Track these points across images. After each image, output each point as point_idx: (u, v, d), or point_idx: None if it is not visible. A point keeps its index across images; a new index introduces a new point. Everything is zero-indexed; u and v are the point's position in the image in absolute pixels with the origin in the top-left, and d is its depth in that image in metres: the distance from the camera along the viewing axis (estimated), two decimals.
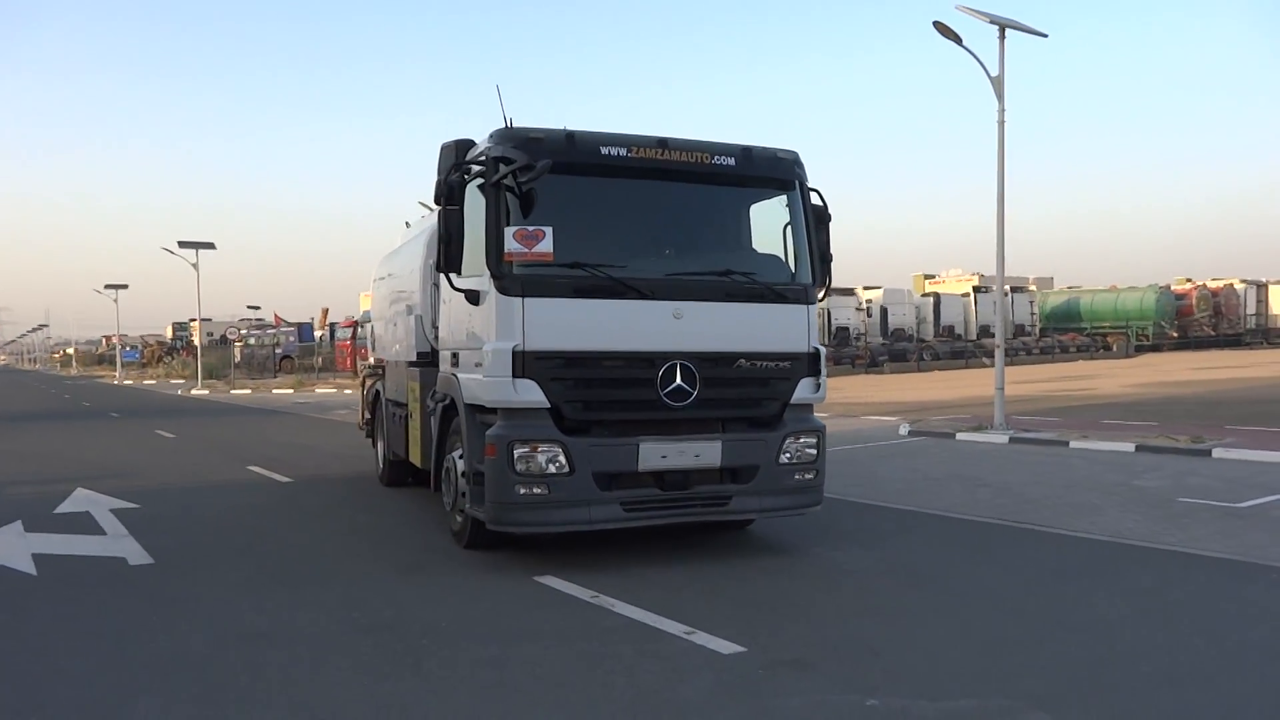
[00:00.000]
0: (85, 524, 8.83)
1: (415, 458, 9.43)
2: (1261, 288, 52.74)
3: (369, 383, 12.74)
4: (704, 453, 7.01)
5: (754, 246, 7.71)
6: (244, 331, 54.46)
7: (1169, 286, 50.14)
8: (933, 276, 60.02)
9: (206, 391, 38.35)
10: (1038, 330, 48.57)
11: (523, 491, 6.63)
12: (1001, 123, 15.35)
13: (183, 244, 40.86)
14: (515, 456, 6.60)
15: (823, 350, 7.53)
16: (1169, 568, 6.95)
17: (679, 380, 6.91)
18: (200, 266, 41.21)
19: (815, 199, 7.70)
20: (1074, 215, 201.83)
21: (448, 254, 6.92)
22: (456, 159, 7.73)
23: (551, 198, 6.82)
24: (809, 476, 7.38)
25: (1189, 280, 52.20)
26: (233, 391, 37.75)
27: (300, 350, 52.33)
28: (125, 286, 58.31)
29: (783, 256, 7.57)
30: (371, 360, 12.29)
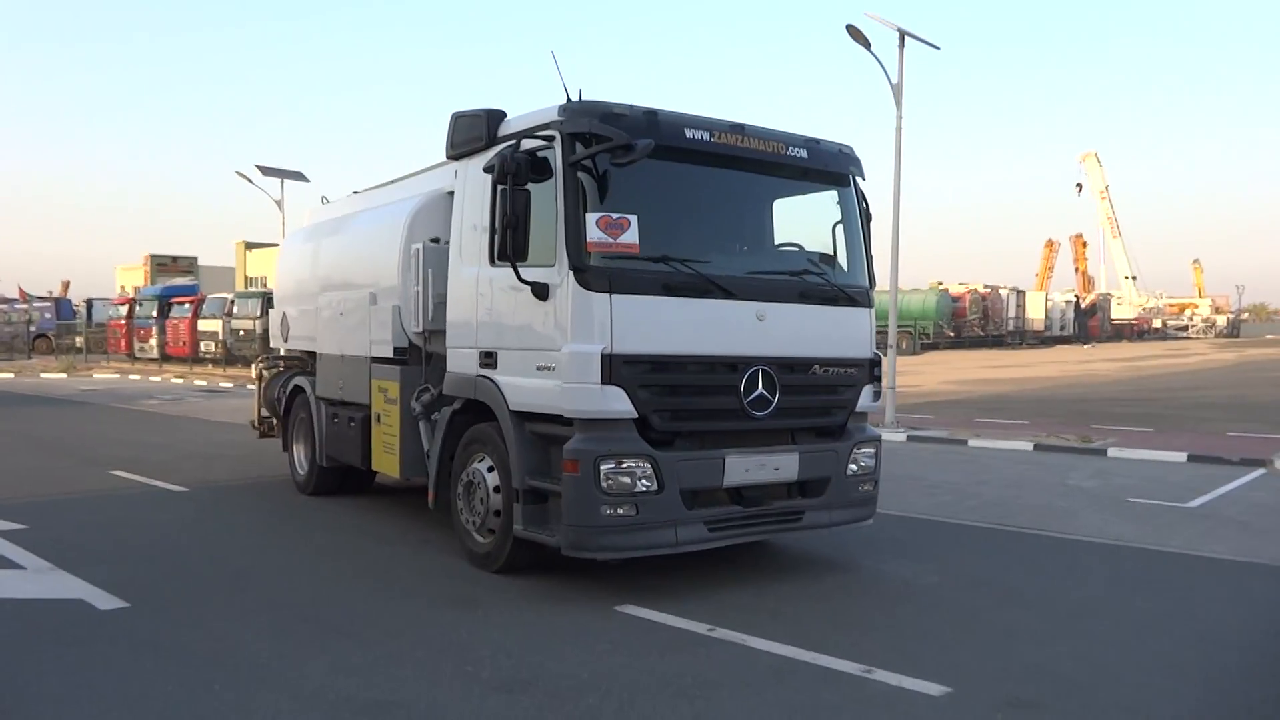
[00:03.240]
0: None
1: (384, 466, 8.30)
2: (1021, 294, 58.30)
3: (268, 375, 11.23)
4: (783, 465, 6.54)
5: (807, 245, 7.29)
6: None
7: (947, 289, 54.22)
8: None
9: None
10: None
11: (609, 512, 5.88)
12: (899, 129, 15.76)
13: None
14: (602, 473, 5.84)
15: (881, 356, 7.24)
16: (1201, 572, 7.20)
17: (761, 388, 6.39)
18: None
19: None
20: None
21: (513, 241, 6.02)
22: (489, 132, 6.86)
23: (625, 182, 6.11)
24: (869, 488, 7.08)
25: (962, 284, 56.67)
26: None
27: (59, 329, 46.59)
28: None
29: (834, 255, 7.21)
30: (283, 350, 10.79)
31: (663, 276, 6.10)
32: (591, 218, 5.95)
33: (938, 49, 16.10)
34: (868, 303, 7.13)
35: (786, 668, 4.97)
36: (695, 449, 6.21)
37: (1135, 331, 74.00)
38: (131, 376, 32.48)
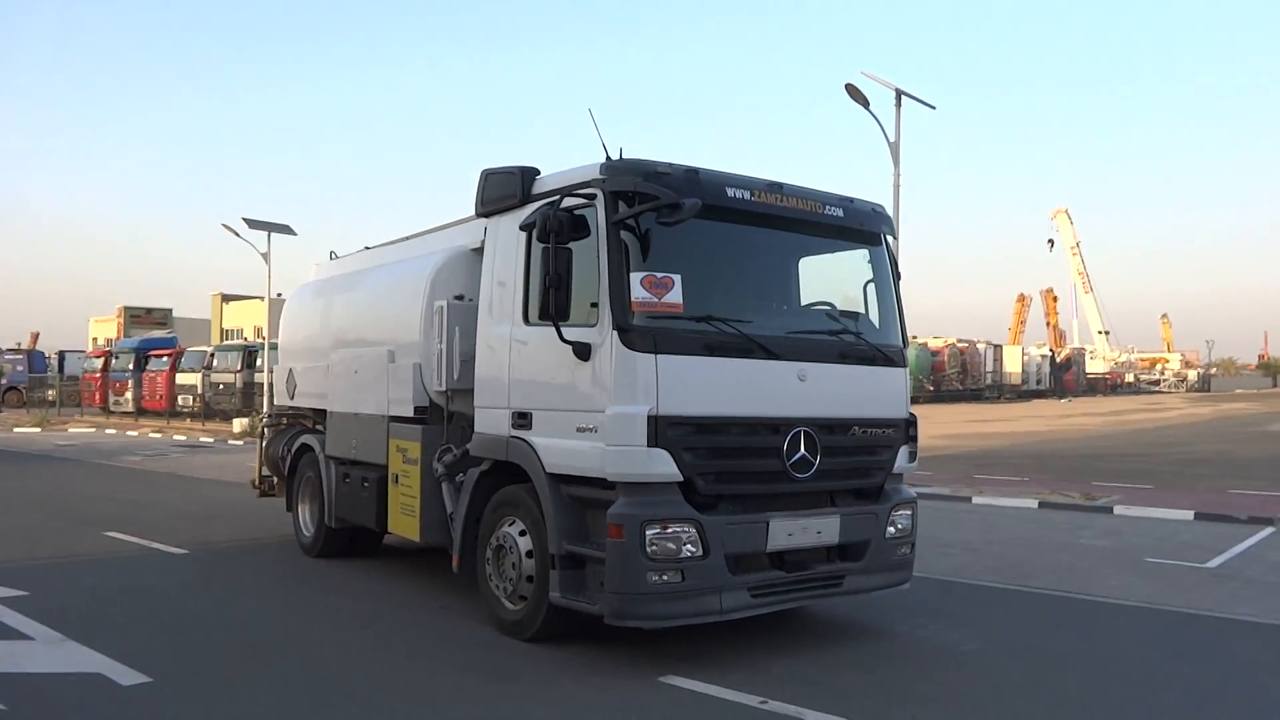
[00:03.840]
0: None
1: (402, 529, 8.06)
2: (998, 349, 58.94)
3: (270, 433, 10.98)
4: (825, 529, 6.40)
5: (838, 304, 7.23)
6: None
7: (926, 344, 54.70)
8: None
9: None
10: None
11: (654, 579, 5.71)
12: (897, 186, 15.90)
13: None
14: (648, 538, 5.68)
15: (916, 417, 7.16)
16: (1241, 636, 7.10)
17: (803, 449, 6.28)
18: None
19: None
20: None
21: (555, 300, 5.91)
22: (524, 189, 6.78)
23: (666, 241, 6.04)
24: (907, 551, 6.96)
25: (938, 338, 57.21)
26: None
27: (30, 381, 45.76)
28: None
29: (865, 314, 7.15)
30: (294, 405, 10.53)
31: (706, 336, 6.01)
32: (636, 277, 5.87)
33: (933, 108, 16.34)
34: (902, 362, 7.08)
35: None
36: (738, 512, 6.07)
37: (1109, 385, 74.88)
38: (108, 431, 31.87)
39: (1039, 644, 6.79)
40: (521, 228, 6.46)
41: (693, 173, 6.15)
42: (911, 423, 7.05)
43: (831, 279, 7.33)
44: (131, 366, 38.37)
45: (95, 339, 70.32)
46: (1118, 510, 13.06)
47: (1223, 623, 7.44)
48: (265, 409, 27.77)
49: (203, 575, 8.84)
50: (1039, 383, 63.46)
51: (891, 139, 15.73)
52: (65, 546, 10.00)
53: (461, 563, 7.13)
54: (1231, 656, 6.60)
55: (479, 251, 7.79)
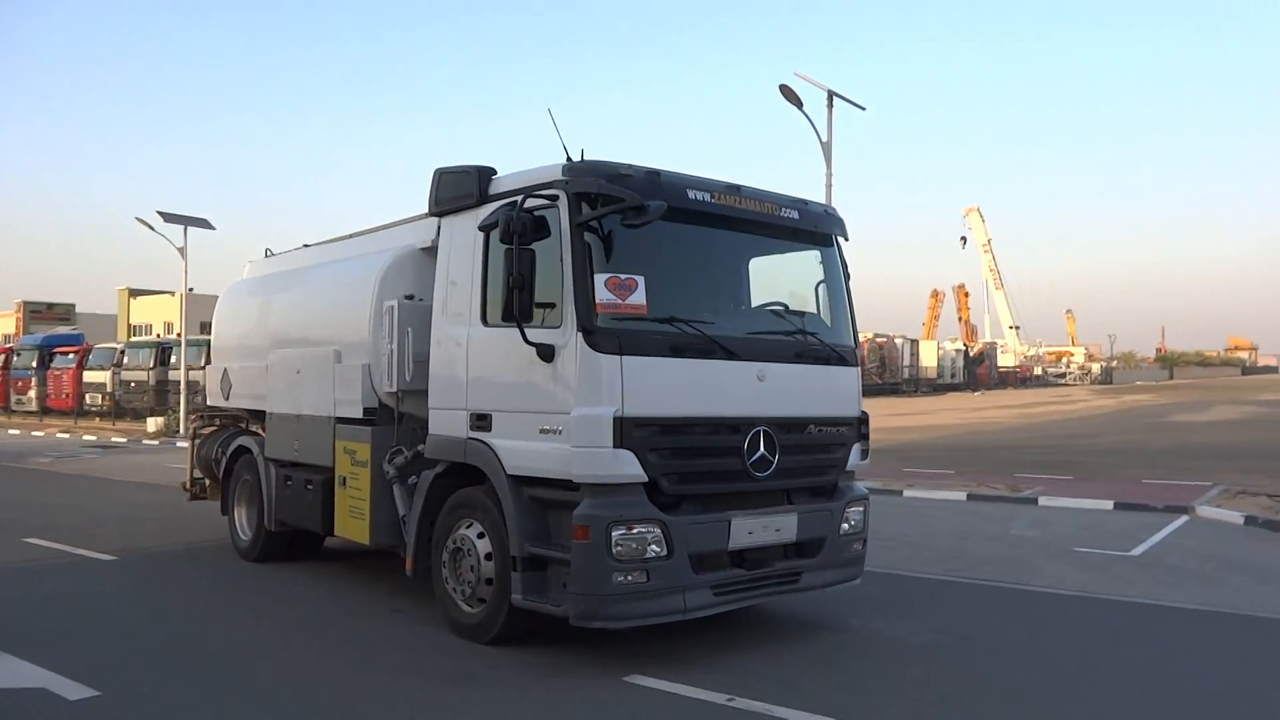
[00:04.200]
0: None
1: (350, 532, 7.90)
2: (914, 343, 60.42)
3: (207, 433, 10.64)
4: (784, 526, 6.50)
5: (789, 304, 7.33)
6: None
7: None
8: None
9: None
10: None
11: (620, 579, 5.72)
12: (829, 185, 16.19)
13: None
14: (614, 539, 5.69)
15: (868, 415, 7.31)
16: (1173, 621, 7.44)
17: (763, 448, 6.36)
18: None
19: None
20: None
21: (520, 301, 5.86)
22: (480, 189, 6.72)
23: (627, 242, 6.05)
24: (859, 547, 7.10)
25: (859, 333, 58.31)
26: None
27: None
28: None
29: (818, 314, 7.27)
30: (228, 406, 10.22)
31: (669, 337, 6.04)
32: (599, 278, 5.86)
33: (863, 109, 16.69)
34: (855, 361, 7.22)
35: None
36: (700, 512, 6.12)
37: (1018, 379, 77.41)
38: (11, 431, 30.54)
39: (988, 635, 7.01)
40: (481, 228, 6.38)
41: (654, 174, 6.16)
42: (864, 420, 7.19)
43: (782, 279, 7.42)
44: (35, 364, 36.81)
45: None
46: (1042, 501, 13.54)
47: (1153, 609, 7.79)
48: (183, 407, 26.96)
49: (138, 582, 8.52)
50: (953, 376, 65.28)
51: (824, 139, 16.01)
52: None
53: (415, 566, 7.04)
54: (1165, 641, 6.93)
55: (428, 251, 7.69)
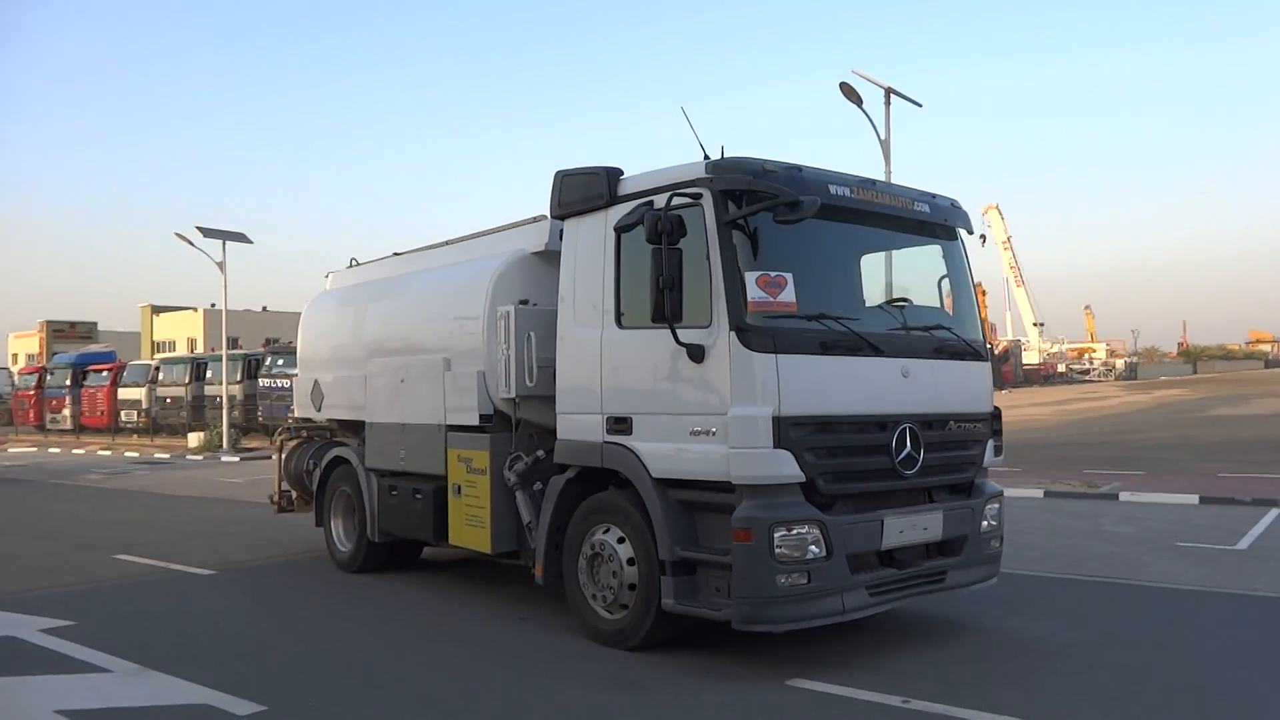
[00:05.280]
0: (51, 660, 6.37)
1: (468, 541, 7.79)
2: None
3: (294, 446, 10.58)
4: (931, 525, 6.39)
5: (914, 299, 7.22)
6: None
7: None
8: None
9: None
10: None
11: (784, 581, 5.62)
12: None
13: None
14: (775, 540, 5.58)
15: (1000, 410, 7.19)
16: None
17: (909, 446, 6.25)
18: None
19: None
20: None
21: (670, 302, 5.77)
22: (610, 190, 6.64)
23: (772, 239, 5.96)
24: (997, 545, 6.99)
25: None
26: None
27: None
28: None
29: (943, 308, 7.15)
30: (321, 419, 10.16)
31: (819, 335, 5.94)
32: (750, 276, 5.77)
33: (920, 106, 16.56)
34: (987, 356, 7.11)
35: None
36: (852, 511, 6.01)
37: (1042, 376, 76.89)
38: (51, 450, 30.63)
39: (1126, 632, 6.85)
40: (616, 229, 6.30)
41: (796, 170, 6.08)
42: (997, 416, 7.08)
43: (906, 274, 7.32)
44: (69, 382, 36.94)
45: (15, 355, 67.57)
46: (1123, 497, 13.36)
47: None
48: (224, 422, 26.99)
49: (248, 595, 8.47)
50: None
51: (883, 136, 15.91)
52: (84, 572, 9.49)
53: (546, 572, 6.94)
54: None
55: (540, 255, 7.65)
